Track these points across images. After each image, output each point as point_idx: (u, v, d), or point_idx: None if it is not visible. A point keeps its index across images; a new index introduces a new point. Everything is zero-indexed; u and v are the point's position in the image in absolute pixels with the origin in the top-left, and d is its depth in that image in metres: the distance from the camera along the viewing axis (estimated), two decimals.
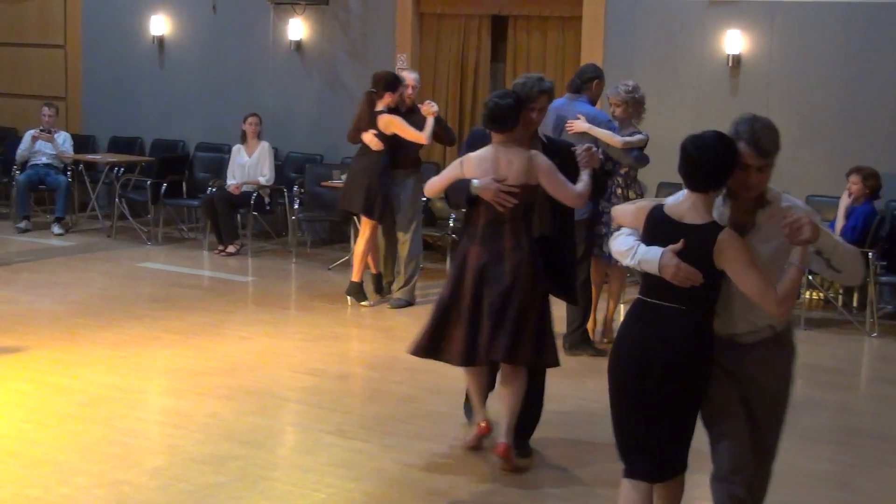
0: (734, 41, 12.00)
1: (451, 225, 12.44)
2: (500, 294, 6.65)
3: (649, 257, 4.84)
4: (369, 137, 10.84)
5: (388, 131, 10.79)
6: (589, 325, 9.68)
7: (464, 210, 7.06)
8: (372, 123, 10.86)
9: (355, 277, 11.20)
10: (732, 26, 12.01)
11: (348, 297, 11.19)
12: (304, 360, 9.18)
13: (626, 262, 4.98)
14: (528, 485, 6.70)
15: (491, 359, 6.73)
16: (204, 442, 7.14)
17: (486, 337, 6.66)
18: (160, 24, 15.35)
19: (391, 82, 10.96)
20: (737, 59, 11.99)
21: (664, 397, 4.87)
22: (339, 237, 13.95)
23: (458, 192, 6.82)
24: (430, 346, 6.86)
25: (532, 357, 6.75)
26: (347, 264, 12.67)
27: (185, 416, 7.64)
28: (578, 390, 8.48)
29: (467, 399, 7.51)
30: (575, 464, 7.06)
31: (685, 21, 12.31)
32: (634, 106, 9.45)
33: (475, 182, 6.70)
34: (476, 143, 7.05)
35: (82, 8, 16.03)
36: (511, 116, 6.71)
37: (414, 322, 10.46)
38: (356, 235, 12.73)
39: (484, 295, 6.68)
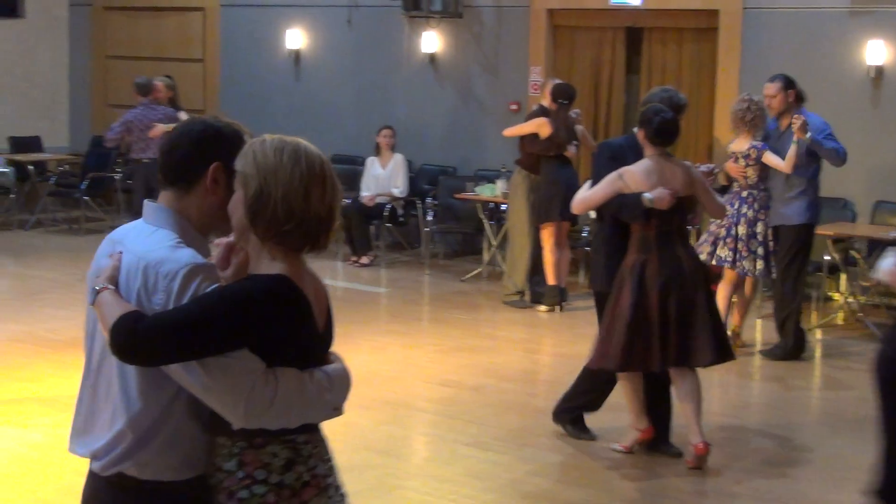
0: (876, 52, 11.74)
1: (584, 237, 12.40)
2: (686, 301, 6.87)
3: (881, 265, 4.73)
4: (573, 150, 11.07)
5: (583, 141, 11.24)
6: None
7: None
8: (574, 134, 11.10)
9: (552, 281, 11.27)
10: (874, 36, 11.75)
11: (545, 304, 11.30)
12: (439, 371, 9.21)
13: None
14: (663, 498, 6.64)
15: (695, 366, 6.99)
16: (340, 451, 7.07)
17: (682, 344, 6.87)
18: (296, 38, 15.55)
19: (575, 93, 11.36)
20: (879, 71, 11.73)
21: (881, 406, 4.64)
22: (473, 249, 13.96)
23: (633, 206, 6.89)
24: (625, 358, 6.91)
25: (723, 354, 7.05)
26: (481, 276, 12.70)
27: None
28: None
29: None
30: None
31: (824, 31, 12.08)
32: (733, 121, 9.64)
33: (647, 195, 6.82)
34: (618, 155, 7.14)
35: (220, 23, 16.33)
36: (678, 130, 7.02)
37: (549, 334, 10.50)
38: (489, 247, 12.78)
39: (670, 304, 6.86)
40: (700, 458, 6.95)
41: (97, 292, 3.15)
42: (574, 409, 7.54)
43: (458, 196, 13.04)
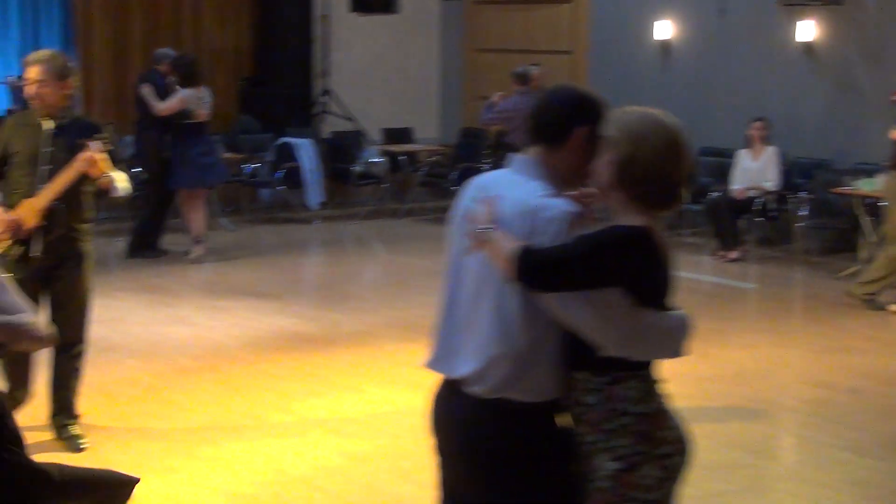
0: None
1: None
2: None
3: None
4: None
5: None
6: None
7: None
8: None
9: None
10: None
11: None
12: (812, 371, 8.83)
13: None
14: None
15: None
16: (711, 449, 6.95)
17: None
18: (665, 29, 15.34)
19: None
20: None
21: None
22: (848, 246, 13.31)
23: None
24: None
25: None
26: (857, 275, 12.11)
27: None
28: None
29: None
30: None
31: None
32: None
33: None
34: None
35: (590, 15, 16.30)
36: None
37: None
38: (866, 244, 12.21)
39: None
40: None
41: (485, 232, 3.52)
42: None
43: (834, 190, 12.55)
